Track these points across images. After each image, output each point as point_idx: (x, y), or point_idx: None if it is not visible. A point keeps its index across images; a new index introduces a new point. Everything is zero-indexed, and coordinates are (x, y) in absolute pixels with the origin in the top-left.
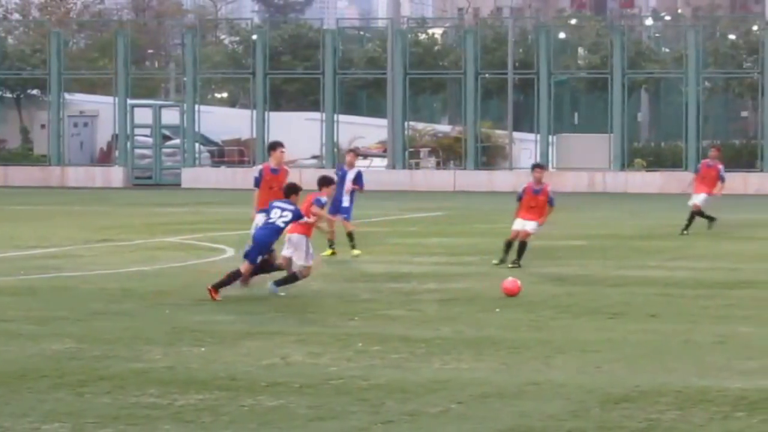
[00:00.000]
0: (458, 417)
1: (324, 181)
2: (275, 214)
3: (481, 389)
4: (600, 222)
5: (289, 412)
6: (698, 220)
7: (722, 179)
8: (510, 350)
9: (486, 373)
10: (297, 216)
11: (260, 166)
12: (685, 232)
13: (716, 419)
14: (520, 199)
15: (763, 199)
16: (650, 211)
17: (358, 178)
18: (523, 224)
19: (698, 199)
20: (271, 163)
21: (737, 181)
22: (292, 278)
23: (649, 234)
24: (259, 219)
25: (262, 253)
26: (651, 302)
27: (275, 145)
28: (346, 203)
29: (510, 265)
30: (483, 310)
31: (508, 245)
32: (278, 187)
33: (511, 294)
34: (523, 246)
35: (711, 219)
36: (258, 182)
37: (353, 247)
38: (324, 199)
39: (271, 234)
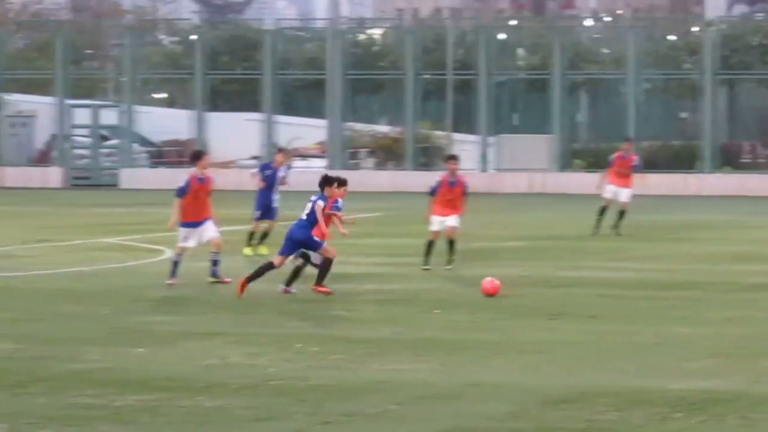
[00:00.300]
0: (397, 418)
1: (341, 182)
2: (307, 208)
3: (420, 390)
4: (539, 223)
5: (228, 413)
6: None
7: (635, 169)
8: (449, 351)
9: (424, 374)
10: (319, 199)
11: (186, 176)
12: (615, 230)
13: (655, 420)
14: (434, 193)
15: (702, 200)
16: (590, 212)
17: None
18: (443, 221)
19: (624, 195)
20: (197, 172)
21: (677, 182)
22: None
23: (589, 235)
24: (184, 232)
25: (292, 248)
26: (590, 303)
27: (201, 154)
28: (276, 203)
29: (446, 267)
30: (422, 311)
31: (430, 246)
32: (205, 195)
33: (491, 294)
34: (452, 244)
35: (620, 218)
36: (184, 192)
37: (249, 245)
38: (341, 202)
39: (296, 229)
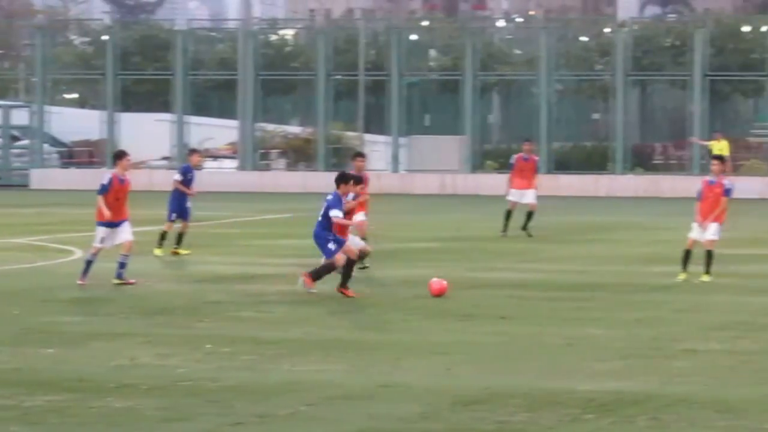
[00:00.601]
0: (308, 419)
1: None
2: (322, 209)
3: (331, 391)
4: (450, 224)
5: (138, 414)
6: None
7: (538, 170)
8: (359, 352)
9: (335, 375)
10: (331, 205)
11: (109, 175)
12: (525, 231)
13: (565, 421)
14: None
15: (614, 201)
16: (501, 213)
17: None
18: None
19: (530, 197)
20: (119, 172)
21: (588, 183)
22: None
23: (499, 236)
24: (102, 233)
25: (323, 250)
26: (501, 304)
27: (123, 155)
28: (189, 204)
29: (359, 267)
30: (332, 312)
31: None
32: (124, 197)
33: (439, 294)
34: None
35: (528, 220)
36: (106, 190)
37: (160, 246)
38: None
39: (316, 230)
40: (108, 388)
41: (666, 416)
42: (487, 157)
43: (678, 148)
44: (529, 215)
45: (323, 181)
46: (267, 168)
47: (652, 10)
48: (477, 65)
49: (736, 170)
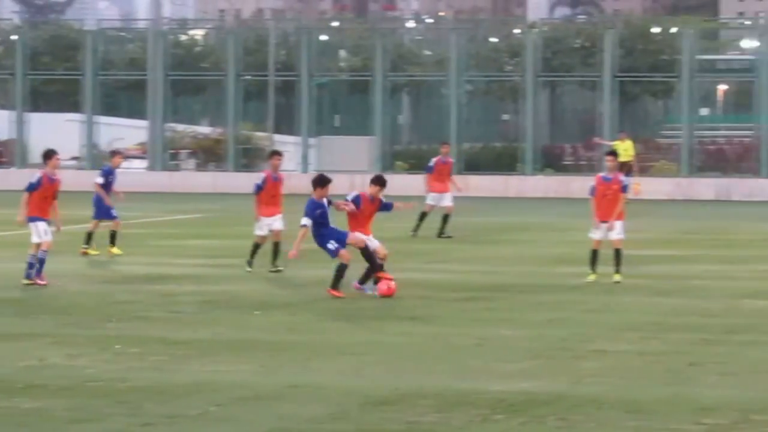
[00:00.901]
0: (217, 419)
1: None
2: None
3: (240, 392)
4: None
5: (47, 415)
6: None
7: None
8: (269, 353)
9: (245, 375)
10: (305, 212)
11: (39, 174)
12: (444, 235)
13: (476, 422)
14: (259, 191)
15: (524, 201)
16: (411, 213)
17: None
18: (271, 222)
19: (447, 200)
20: (48, 171)
21: (498, 184)
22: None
23: (409, 236)
24: (38, 228)
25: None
26: (411, 305)
27: (52, 153)
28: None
29: (273, 269)
30: (242, 312)
31: (256, 248)
32: (52, 196)
33: (389, 295)
34: (278, 246)
35: (445, 222)
36: (34, 187)
37: (88, 246)
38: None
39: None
40: (16, 389)
41: (575, 416)
42: (397, 157)
43: (588, 149)
44: (445, 218)
45: (233, 181)
46: (177, 168)
47: (562, 11)
48: (387, 66)
49: (647, 171)
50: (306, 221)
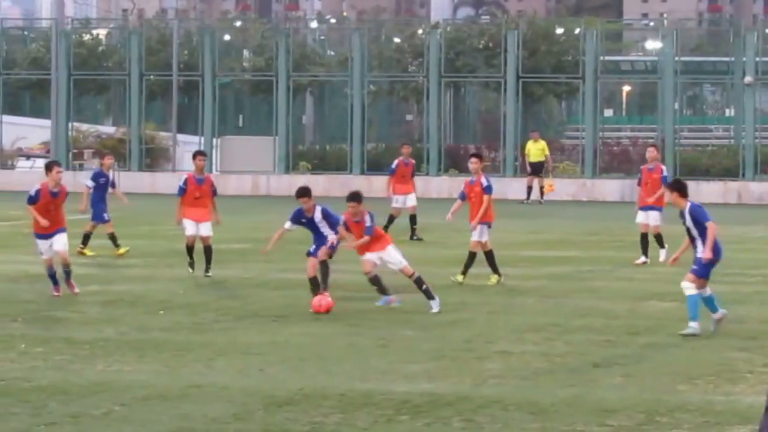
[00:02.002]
0: (121, 419)
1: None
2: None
3: (144, 391)
4: (263, 225)
5: None
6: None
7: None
8: (173, 353)
9: (149, 375)
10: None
11: (38, 186)
12: (417, 238)
13: (380, 422)
14: (183, 193)
15: (428, 202)
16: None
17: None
18: (197, 227)
19: (411, 200)
20: (49, 183)
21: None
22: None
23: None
24: (42, 245)
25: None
26: None
27: (52, 165)
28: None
29: (207, 275)
30: (146, 312)
31: (190, 251)
32: (56, 209)
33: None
34: (209, 250)
35: (414, 223)
36: (34, 201)
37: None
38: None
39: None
40: None
41: (480, 417)
42: (301, 158)
43: (491, 149)
44: (413, 219)
45: (137, 181)
46: (80, 168)
47: (465, 11)
48: (290, 66)
49: (551, 172)
50: (288, 224)
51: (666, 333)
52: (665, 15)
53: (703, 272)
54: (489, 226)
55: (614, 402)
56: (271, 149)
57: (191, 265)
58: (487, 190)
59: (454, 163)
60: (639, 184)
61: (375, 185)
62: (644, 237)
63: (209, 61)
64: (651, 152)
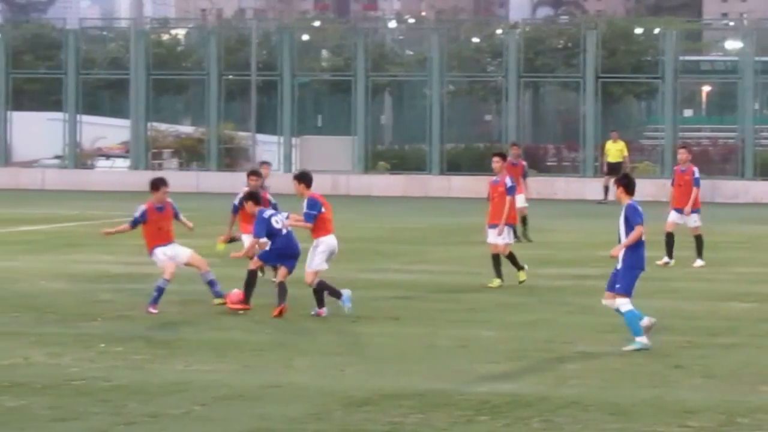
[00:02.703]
0: (200, 419)
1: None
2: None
3: (223, 391)
4: (342, 225)
5: (30, 413)
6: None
7: (525, 175)
8: (252, 352)
9: (228, 375)
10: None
11: (144, 207)
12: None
13: (459, 423)
14: (237, 211)
15: None
16: (393, 214)
17: None
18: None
19: (521, 201)
20: (155, 201)
21: (480, 185)
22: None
23: (391, 237)
24: (160, 255)
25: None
26: (393, 306)
27: (159, 184)
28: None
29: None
30: (223, 312)
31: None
32: (167, 223)
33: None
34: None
35: (524, 224)
36: (139, 222)
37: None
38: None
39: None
40: (0, 387)
41: (560, 418)
42: (379, 157)
43: (570, 149)
44: (524, 220)
45: (216, 180)
46: (159, 167)
47: (544, 11)
48: (369, 66)
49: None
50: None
51: (747, 334)
52: (745, 15)
53: (625, 286)
54: (513, 228)
55: (695, 403)
56: (350, 149)
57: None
58: (510, 191)
59: (533, 163)
60: (672, 184)
61: (454, 185)
62: (670, 237)
63: (288, 60)
64: (682, 154)
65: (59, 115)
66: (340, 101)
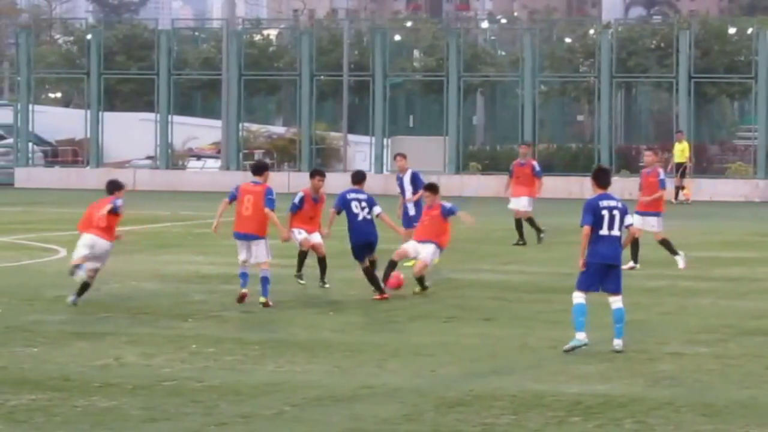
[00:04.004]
0: (292, 420)
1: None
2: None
3: (315, 392)
4: None
5: (122, 413)
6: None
7: (538, 175)
8: (344, 353)
9: (320, 375)
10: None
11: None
12: (520, 242)
13: (552, 424)
14: (297, 210)
15: None
16: (485, 214)
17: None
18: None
19: (520, 204)
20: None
21: (574, 186)
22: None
23: (484, 238)
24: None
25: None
26: (485, 306)
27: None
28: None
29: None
30: (316, 312)
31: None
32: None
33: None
34: (323, 261)
35: (539, 231)
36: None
37: None
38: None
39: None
40: (92, 388)
41: (652, 419)
42: (471, 158)
43: (664, 150)
44: (531, 222)
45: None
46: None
47: (637, 11)
48: (461, 66)
49: (723, 173)
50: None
51: None
52: None
53: (581, 282)
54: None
55: None
56: (442, 149)
57: (300, 276)
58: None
59: (625, 163)
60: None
61: (546, 185)
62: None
63: (380, 61)
64: (648, 156)
65: (151, 115)
66: (432, 102)
